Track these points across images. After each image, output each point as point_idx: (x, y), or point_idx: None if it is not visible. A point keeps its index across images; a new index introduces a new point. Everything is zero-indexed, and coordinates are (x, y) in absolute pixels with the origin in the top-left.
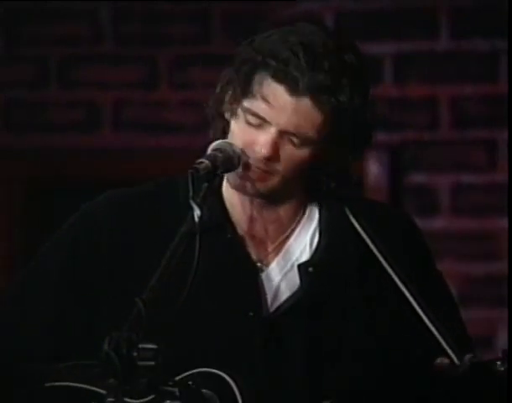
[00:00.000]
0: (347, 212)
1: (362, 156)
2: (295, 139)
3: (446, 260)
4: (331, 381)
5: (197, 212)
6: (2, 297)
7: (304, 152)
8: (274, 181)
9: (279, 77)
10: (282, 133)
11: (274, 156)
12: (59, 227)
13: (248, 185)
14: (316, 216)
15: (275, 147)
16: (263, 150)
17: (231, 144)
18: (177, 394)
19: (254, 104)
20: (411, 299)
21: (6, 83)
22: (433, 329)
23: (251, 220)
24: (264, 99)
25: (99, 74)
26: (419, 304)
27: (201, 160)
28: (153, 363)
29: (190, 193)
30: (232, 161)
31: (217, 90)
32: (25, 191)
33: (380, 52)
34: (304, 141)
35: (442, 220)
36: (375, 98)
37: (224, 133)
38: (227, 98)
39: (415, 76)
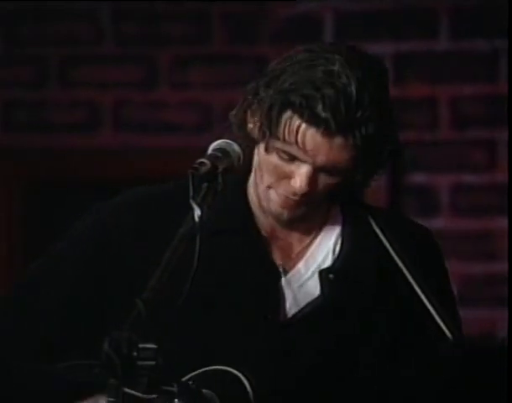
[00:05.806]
0: (371, 221)
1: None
2: (329, 171)
3: (446, 260)
4: (346, 389)
5: (197, 212)
6: (14, 291)
7: (337, 179)
8: (304, 209)
9: (309, 120)
10: (317, 169)
11: (311, 191)
12: (58, 227)
13: (278, 211)
14: (340, 223)
15: (312, 182)
16: (299, 185)
17: (231, 144)
18: (176, 392)
19: (286, 146)
20: (433, 311)
21: (6, 83)
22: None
23: (275, 226)
24: (297, 143)
25: (99, 74)
26: (440, 316)
27: (201, 160)
28: (153, 362)
29: (191, 193)
30: (232, 161)
31: (239, 111)
32: (25, 191)
33: (380, 52)
34: (338, 172)
35: (442, 220)
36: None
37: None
38: (253, 128)
39: (415, 76)
